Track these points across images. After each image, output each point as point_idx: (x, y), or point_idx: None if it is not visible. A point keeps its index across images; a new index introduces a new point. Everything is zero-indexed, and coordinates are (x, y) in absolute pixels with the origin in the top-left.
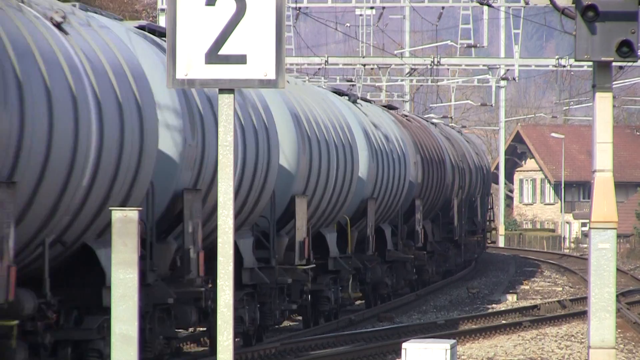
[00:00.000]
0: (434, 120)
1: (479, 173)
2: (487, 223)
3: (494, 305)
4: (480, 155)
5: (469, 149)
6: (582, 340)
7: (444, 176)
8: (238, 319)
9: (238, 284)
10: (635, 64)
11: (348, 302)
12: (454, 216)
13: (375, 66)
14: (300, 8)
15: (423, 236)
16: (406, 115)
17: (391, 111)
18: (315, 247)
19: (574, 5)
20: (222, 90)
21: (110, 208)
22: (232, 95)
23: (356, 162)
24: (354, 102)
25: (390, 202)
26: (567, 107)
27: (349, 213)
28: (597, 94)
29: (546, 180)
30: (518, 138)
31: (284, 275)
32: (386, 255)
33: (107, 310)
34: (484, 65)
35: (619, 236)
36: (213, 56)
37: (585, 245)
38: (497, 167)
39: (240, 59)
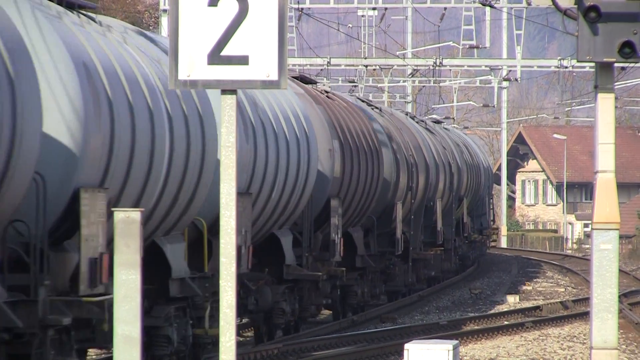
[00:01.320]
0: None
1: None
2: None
3: (496, 306)
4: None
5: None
6: (585, 341)
7: (377, 171)
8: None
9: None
10: (637, 64)
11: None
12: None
13: (378, 67)
14: (302, 9)
15: (342, 248)
16: (327, 92)
17: (304, 85)
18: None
19: (576, 6)
20: (224, 91)
21: (113, 209)
22: (234, 96)
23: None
24: None
25: (286, 201)
26: (569, 108)
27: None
28: (599, 95)
29: (548, 181)
30: (520, 139)
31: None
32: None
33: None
34: (486, 66)
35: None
36: (215, 57)
37: (588, 246)
38: (499, 168)
39: (243, 60)
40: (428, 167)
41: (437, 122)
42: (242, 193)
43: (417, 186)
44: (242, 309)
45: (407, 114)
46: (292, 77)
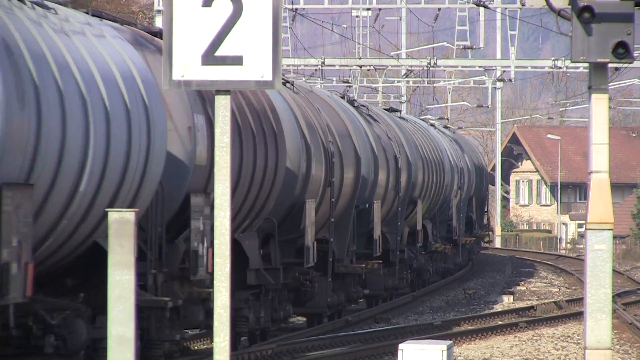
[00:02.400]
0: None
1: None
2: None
3: (490, 306)
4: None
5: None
6: (579, 341)
7: (275, 158)
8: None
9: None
10: (631, 65)
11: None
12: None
13: (372, 67)
14: (296, 9)
15: (209, 261)
16: None
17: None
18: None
19: (570, 6)
20: (218, 92)
21: (107, 210)
22: (228, 97)
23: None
24: None
25: (110, 197)
26: (563, 109)
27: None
28: (593, 95)
29: (542, 182)
30: (514, 139)
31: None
32: None
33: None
34: (480, 66)
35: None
36: (209, 57)
37: (582, 246)
38: (493, 169)
39: (237, 60)
40: (359, 160)
41: (391, 108)
42: (12, 184)
43: (341, 182)
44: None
45: (343, 97)
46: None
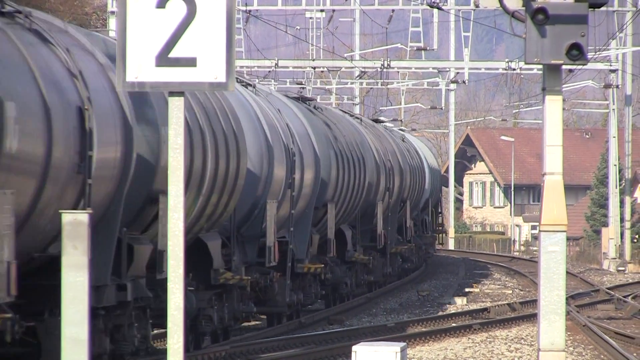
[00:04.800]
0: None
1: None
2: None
3: (444, 308)
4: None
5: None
6: (532, 342)
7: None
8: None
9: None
10: (585, 67)
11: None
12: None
13: (325, 69)
14: (250, 11)
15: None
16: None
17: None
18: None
19: (524, 8)
20: (172, 93)
21: (61, 211)
22: (182, 98)
23: None
24: None
25: None
26: (517, 110)
27: None
28: (547, 97)
29: (496, 183)
30: (468, 141)
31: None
32: None
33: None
34: (433, 68)
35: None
36: (163, 59)
37: (535, 248)
38: (447, 170)
39: (191, 62)
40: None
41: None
42: None
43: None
44: None
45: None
46: None
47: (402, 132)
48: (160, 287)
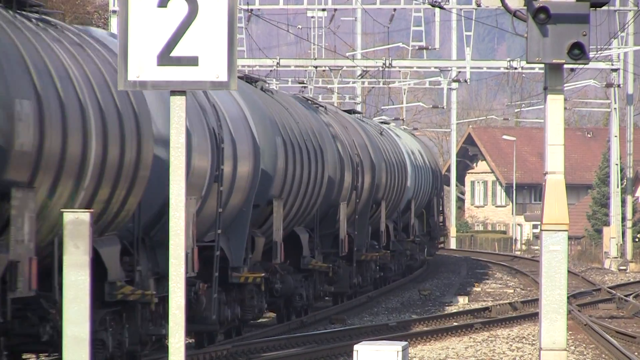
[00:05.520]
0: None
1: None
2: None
3: (445, 307)
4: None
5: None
6: (534, 342)
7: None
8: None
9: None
10: (586, 66)
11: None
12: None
13: (327, 68)
14: (252, 10)
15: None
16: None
17: None
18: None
19: (525, 7)
20: (174, 92)
21: (62, 210)
22: (183, 97)
23: None
24: None
25: None
26: (519, 110)
27: None
28: (549, 96)
29: (497, 182)
30: (469, 140)
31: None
32: None
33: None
34: (435, 67)
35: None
36: (165, 58)
37: (537, 247)
38: (448, 169)
39: (192, 61)
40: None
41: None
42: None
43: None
44: None
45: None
46: None
47: (382, 125)
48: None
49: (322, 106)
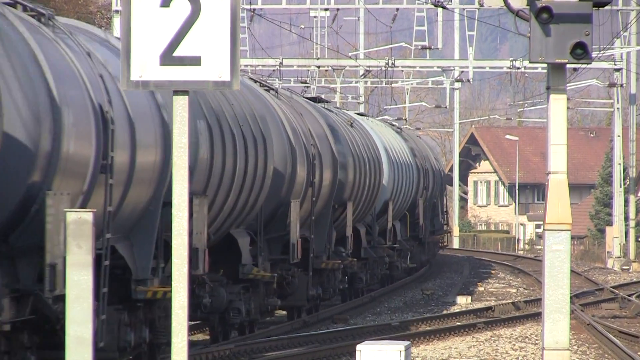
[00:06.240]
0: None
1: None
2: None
3: (448, 307)
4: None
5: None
6: (536, 341)
7: None
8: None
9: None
10: (589, 65)
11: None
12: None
13: (330, 68)
14: (254, 9)
15: None
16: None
17: None
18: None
19: (528, 7)
20: (176, 92)
21: (65, 210)
22: (186, 97)
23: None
24: None
25: None
26: (522, 109)
27: None
28: (552, 96)
29: (500, 182)
30: (472, 140)
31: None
32: None
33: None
34: (438, 67)
35: (573, 238)
36: (167, 57)
37: (540, 247)
38: (451, 169)
39: (195, 61)
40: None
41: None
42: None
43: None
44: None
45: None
46: None
47: (352, 116)
48: None
49: (273, 89)
